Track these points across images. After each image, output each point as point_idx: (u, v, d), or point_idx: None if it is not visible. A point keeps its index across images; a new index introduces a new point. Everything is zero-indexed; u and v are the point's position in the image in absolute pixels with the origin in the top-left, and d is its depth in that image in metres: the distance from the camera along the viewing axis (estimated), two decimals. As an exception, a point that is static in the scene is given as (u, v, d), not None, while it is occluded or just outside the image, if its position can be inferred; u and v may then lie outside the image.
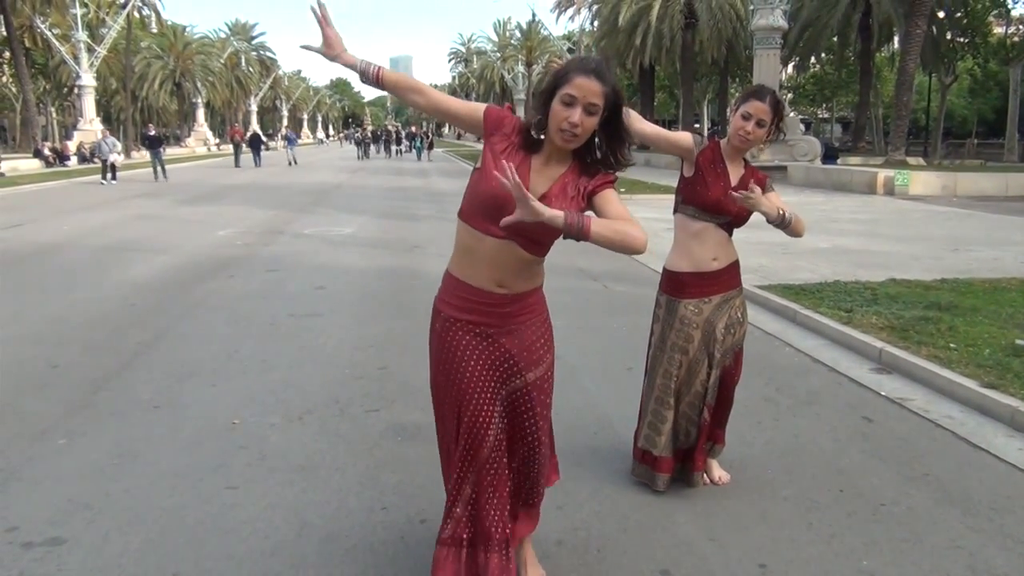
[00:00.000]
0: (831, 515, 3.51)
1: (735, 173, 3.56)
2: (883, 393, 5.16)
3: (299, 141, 47.03)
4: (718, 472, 3.87)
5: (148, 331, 6.75)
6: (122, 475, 3.89)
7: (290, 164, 39.57)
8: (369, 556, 3.14)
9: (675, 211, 3.69)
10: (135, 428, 4.52)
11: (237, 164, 39.11)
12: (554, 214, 2.28)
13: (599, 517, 3.48)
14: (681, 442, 3.69)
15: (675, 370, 3.60)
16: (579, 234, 2.34)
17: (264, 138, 47.25)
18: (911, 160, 29.72)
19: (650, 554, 3.17)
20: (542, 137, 2.50)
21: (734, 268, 3.71)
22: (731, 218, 3.59)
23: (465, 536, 2.65)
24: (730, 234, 3.69)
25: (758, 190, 3.36)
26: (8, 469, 3.95)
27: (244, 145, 41.06)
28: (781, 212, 3.45)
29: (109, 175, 26.22)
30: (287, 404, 4.90)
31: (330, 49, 2.65)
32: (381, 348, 6.21)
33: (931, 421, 4.68)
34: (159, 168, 27.72)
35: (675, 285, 3.63)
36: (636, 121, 3.28)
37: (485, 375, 2.60)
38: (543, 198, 2.43)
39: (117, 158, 27.94)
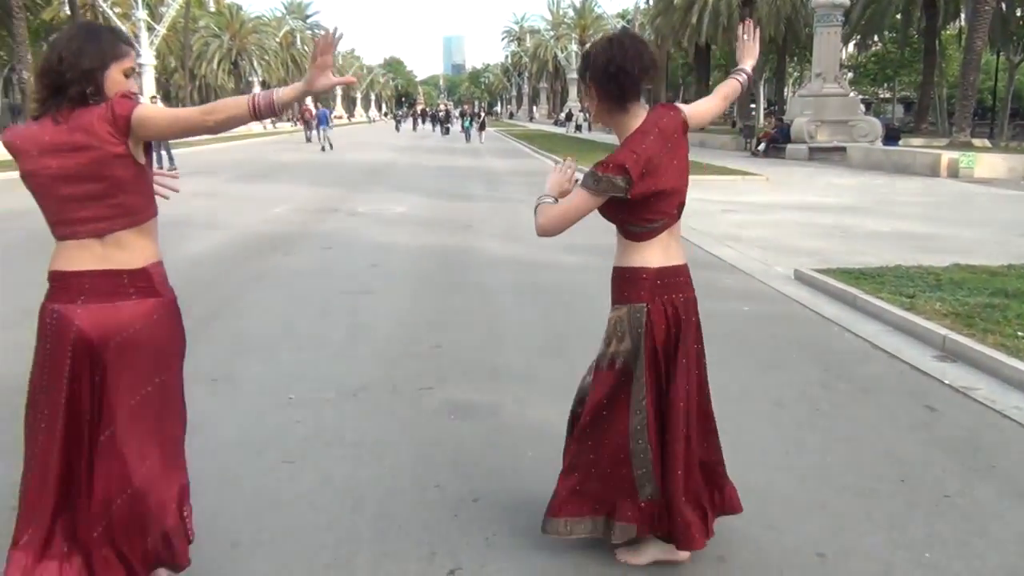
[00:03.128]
0: (892, 505, 3.43)
1: None
2: (946, 382, 5.01)
3: (332, 121, 39.00)
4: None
5: (205, 306, 6.86)
6: (185, 446, 3.96)
7: (323, 149, 32.81)
8: (423, 534, 3.16)
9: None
10: (195, 400, 4.55)
11: (308, 140, 42.14)
12: None
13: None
14: None
15: None
16: None
17: (330, 115, 48.30)
18: (976, 142, 28.85)
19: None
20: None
21: None
22: None
23: None
24: None
25: None
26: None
27: (314, 122, 43.06)
28: None
29: (164, 155, 22.41)
30: (341, 380, 4.95)
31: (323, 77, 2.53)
32: (434, 326, 6.23)
33: (997, 411, 4.53)
34: (164, 154, 21.61)
35: None
36: (696, 120, 2.92)
37: None
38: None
39: None
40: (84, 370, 2.49)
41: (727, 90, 3.15)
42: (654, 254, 2.85)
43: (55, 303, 2.57)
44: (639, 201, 2.71)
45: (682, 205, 2.90)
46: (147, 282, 2.59)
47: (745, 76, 3.23)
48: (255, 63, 71.21)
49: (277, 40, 77.31)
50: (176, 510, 2.67)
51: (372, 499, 3.44)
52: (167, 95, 64.55)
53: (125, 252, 2.53)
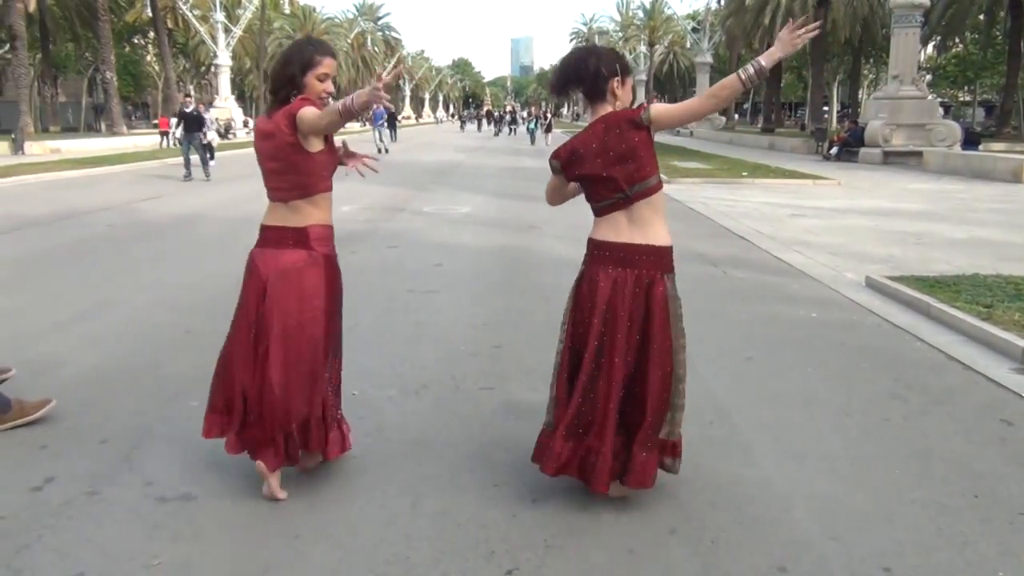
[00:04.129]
0: (964, 521, 3.32)
1: None
2: (1025, 395, 4.83)
3: (398, 121, 36.17)
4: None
5: (275, 301, 7.01)
6: (248, 438, 4.06)
7: (380, 152, 29.13)
8: (481, 532, 3.18)
9: (656, 189, 3.28)
10: (261, 394, 4.71)
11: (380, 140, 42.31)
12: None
13: (713, 507, 3.40)
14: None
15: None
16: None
17: (398, 116, 50.07)
18: (1062, 147, 27.72)
19: (766, 549, 3.08)
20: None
21: None
22: None
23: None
24: None
25: None
26: (145, 428, 4.19)
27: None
28: None
29: (208, 156, 21.87)
30: (403, 378, 5.00)
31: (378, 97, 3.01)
32: (496, 326, 6.26)
33: (1079, 427, 4.35)
34: (203, 160, 20.16)
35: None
36: (665, 116, 3.16)
37: None
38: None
39: (214, 137, 23.81)
40: (257, 298, 3.35)
41: (717, 88, 3.09)
42: (604, 230, 3.33)
43: (255, 247, 3.47)
44: (583, 183, 3.37)
45: (624, 192, 3.22)
46: (303, 238, 3.35)
47: (752, 71, 3.06)
48: (327, 64, 72.46)
49: (348, 41, 78.51)
50: (296, 419, 3.33)
51: (432, 497, 3.47)
52: (241, 95, 66.12)
53: (295, 215, 3.36)
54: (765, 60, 3.04)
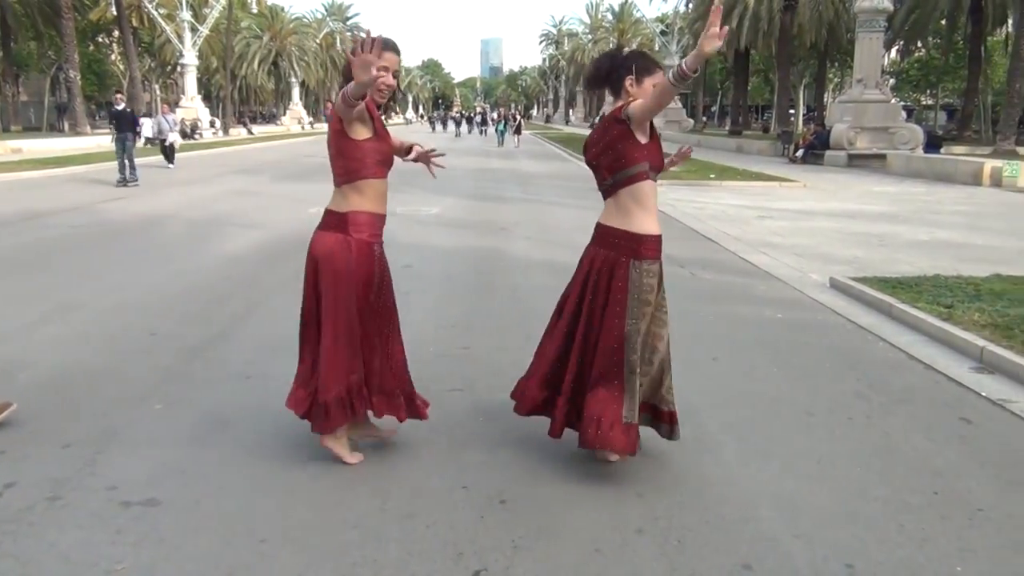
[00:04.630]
0: (924, 518, 3.38)
1: None
2: (983, 394, 4.93)
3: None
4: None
5: (242, 303, 6.96)
6: (214, 442, 4.03)
7: None
8: (449, 533, 3.18)
9: (637, 180, 3.53)
10: (228, 397, 4.68)
11: None
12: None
13: (680, 507, 3.43)
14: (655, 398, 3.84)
15: (665, 332, 3.79)
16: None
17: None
18: (1021, 150, 28.28)
19: (732, 548, 3.11)
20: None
21: None
22: None
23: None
24: None
25: None
26: (109, 431, 4.14)
27: None
28: None
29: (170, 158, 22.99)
30: (372, 380, 4.97)
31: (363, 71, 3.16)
32: (465, 328, 6.26)
33: (1035, 425, 4.45)
34: (127, 163, 17.84)
35: (660, 248, 3.67)
36: (637, 113, 3.43)
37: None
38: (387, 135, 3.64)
39: (177, 139, 24.02)
40: (313, 274, 3.66)
41: (657, 88, 3.42)
42: (603, 213, 3.72)
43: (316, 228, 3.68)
44: (591, 168, 3.74)
45: (608, 180, 3.63)
46: (343, 223, 3.58)
47: (677, 71, 3.18)
48: (295, 64, 71.95)
49: (317, 41, 78.04)
50: (337, 389, 3.60)
51: (400, 498, 3.47)
52: (208, 95, 65.45)
53: (342, 200, 3.61)
54: (690, 60, 3.15)
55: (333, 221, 3.59)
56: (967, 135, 38.22)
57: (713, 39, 3.04)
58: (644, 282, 3.55)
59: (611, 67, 3.60)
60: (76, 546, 3.05)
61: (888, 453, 4.05)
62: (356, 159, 3.53)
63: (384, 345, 3.75)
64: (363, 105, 3.41)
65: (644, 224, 3.56)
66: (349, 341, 3.59)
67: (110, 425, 4.22)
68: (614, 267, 3.55)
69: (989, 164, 20.05)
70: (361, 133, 3.50)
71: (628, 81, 3.54)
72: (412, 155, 3.97)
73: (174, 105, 42.82)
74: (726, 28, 3.10)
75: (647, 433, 4.15)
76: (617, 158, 3.52)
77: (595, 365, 3.58)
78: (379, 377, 3.74)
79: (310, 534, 3.17)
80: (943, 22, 38.93)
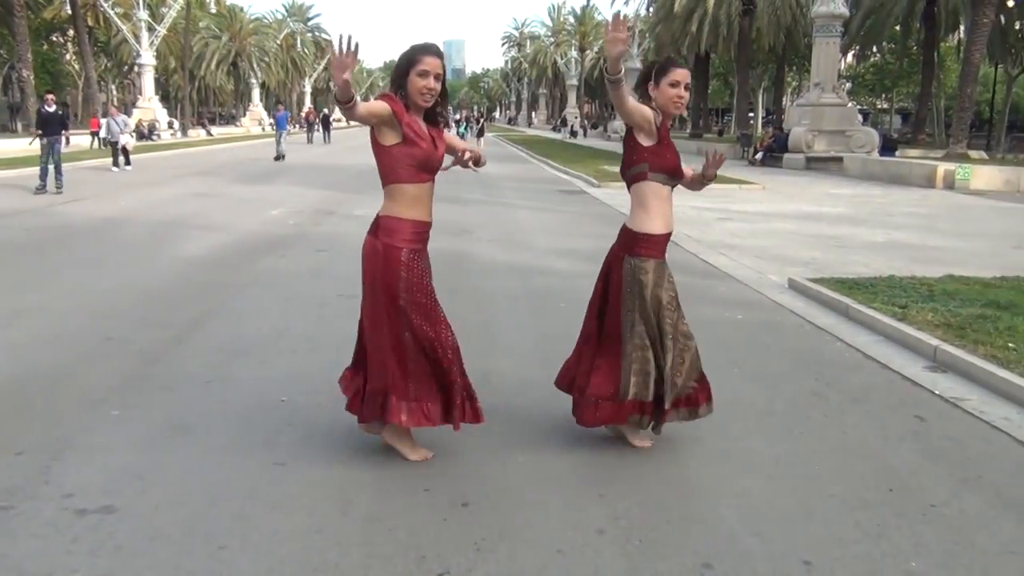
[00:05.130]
0: (879, 514, 3.44)
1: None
2: (937, 392, 5.04)
3: (288, 126, 32.07)
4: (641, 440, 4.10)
5: (201, 307, 6.88)
6: (173, 447, 3.98)
7: (278, 159, 27.64)
8: (411, 537, 3.17)
9: (639, 180, 3.85)
10: (186, 402, 4.62)
11: (310, 141, 43.40)
12: (477, 152, 3.83)
13: (641, 507, 3.46)
14: (677, 389, 3.91)
15: (672, 327, 3.88)
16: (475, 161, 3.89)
17: (332, 117, 52.83)
18: (973, 154, 28.95)
19: (693, 547, 3.15)
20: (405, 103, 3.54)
21: None
22: (680, 180, 3.97)
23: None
24: None
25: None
26: (64, 438, 4.06)
27: (316, 124, 46.71)
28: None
29: (122, 159, 22.34)
30: (334, 383, 4.91)
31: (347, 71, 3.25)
32: (428, 331, 6.23)
33: (987, 422, 4.55)
34: (53, 167, 16.28)
35: (658, 247, 3.88)
36: (626, 95, 3.65)
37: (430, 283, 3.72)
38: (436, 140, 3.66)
39: (129, 140, 23.32)
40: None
41: (641, 107, 3.80)
42: None
43: None
44: None
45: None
46: (375, 227, 3.66)
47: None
48: (255, 65, 71.23)
49: (277, 42, 77.36)
50: (371, 384, 3.75)
51: (362, 502, 3.45)
52: (166, 95, 64.55)
53: (382, 203, 3.68)
54: (607, 65, 3.51)
55: (372, 225, 3.69)
56: (921, 138, 39.00)
57: (613, 43, 3.39)
58: (637, 278, 3.80)
59: (643, 76, 3.88)
60: (30, 556, 2.99)
61: (845, 451, 4.12)
62: (385, 164, 3.59)
63: (420, 347, 3.66)
64: (382, 110, 3.44)
65: (643, 222, 3.83)
66: (376, 344, 3.69)
67: (65, 432, 4.14)
68: (613, 262, 3.91)
69: (942, 167, 20.50)
70: (389, 139, 3.53)
71: (650, 86, 3.82)
72: (451, 163, 3.92)
73: (131, 106, 42.19)
74: (626, 35, 3.41)
75: (606, 435, 4.18)
76: (625, 159, 3.89)
77: (600, 350, 3.93)
78: (414, 380, 3.67)
79: (271, 540, 3.14)
80: (897, 28, 39.71)
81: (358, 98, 3.35)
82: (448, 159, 3.89)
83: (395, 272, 3.59)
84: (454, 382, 3.70)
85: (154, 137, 40.33)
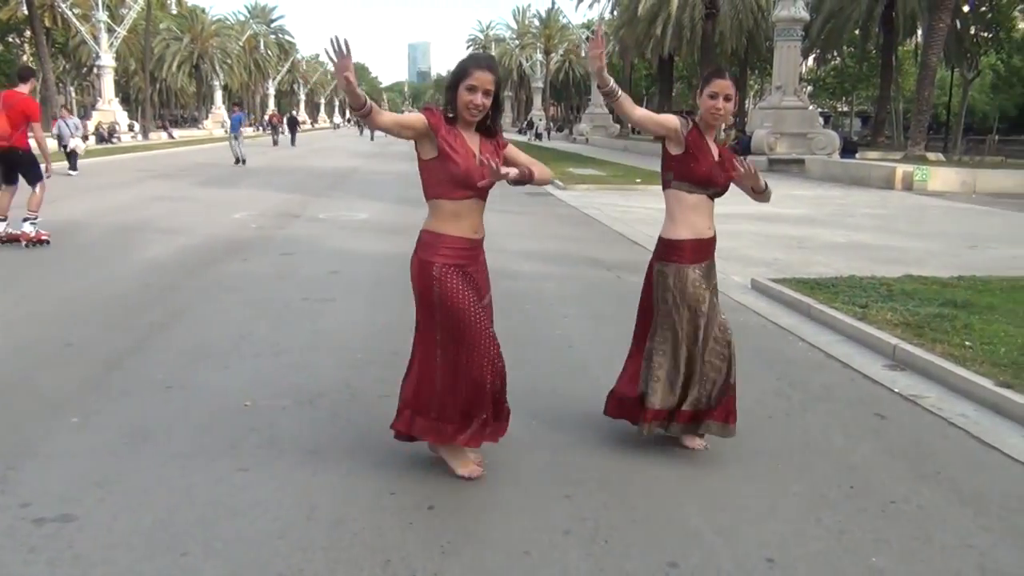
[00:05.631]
0: (841, 511, 3.50)
1: (714, 150, 3.93)
2: (896, 390, 5.12)
3: (244, 130, 30.31)
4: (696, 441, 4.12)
5: (162, 312, 6.78)
6: (134, 454, 3.92)
7: (238, 163, 26.42)
8: (377, 540, 3.15)
9: (666, 187, 3.98)
10: (148, 408, 4.55)
11: (275, 143, 43.98)
12: (519, 171, 3.47)
13: (607, 507, 3.48)
14: (700, 402, 3.94)
15: (690, 330, 3.91)
16: (529, 179, 3.53)
17: (299, 120, 52.83)
18: (931, 156, 29.47)
19: (658, 546, 3.17)
20: (452, 116, 3.46)
21: (714, 238, 4.10)
22: (719, 189, 3.98)
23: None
24: (713, 204, 4.07)
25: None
26: (22, 445, 3.98)
27: (281, 127, 47.44)
28: (765, 182, 4.02)
29: (70, 164, 21.28)
30: (299, 387, 4.92)
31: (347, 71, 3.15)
32: (393, 333, 6.20)
33: (944, 419, 4.64)
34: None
35: (680, 252, 3.92)
36: (629, 106, 3.73)
37: (476, 301, 3.55)
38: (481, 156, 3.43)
39: (79, 144, 22.10)
40: None
41: (657, 116, 3.94)
42: None
43: None
44: None
45: None
46: (417, 239, 3.62)
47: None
48: (217, 67, 70.46)
49: (240, 44, 76.58)
50: (411, 411, 3.70)
51: (327, 507, 3.43)
52: (126, 98, 63.62)
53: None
54: (596, 79, 3.64)
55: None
56: (880, 141, 39.66)
57: (591, 59, 3.58)
58: (660, 283, 3.94)
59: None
60: (-15, 566, 2.93)
61: (807, 449, 4.18)
62: (424, 178, 3.54)
63: (447, 365, 3.57)
64: (416, 122, 3.39)
65: (667, 229, 3.95)
66: (417, 356, 3.69)
67: (22, 439, 4.06)
68: (649, 268, 4.07)
69: (901, 169, 20.85)
70: (427, 152, 3.46)
71: (696, 95, 3.95)
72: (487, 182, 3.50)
73: (90, 108, 41.49)
74: (602, 49, 3.56)
75: (571, 436, 4.20)
76: (661, 166, 4.00)
77: (632, 352, 4.18)
78: (439, 399, 3.61)
79: (234, 546, 3.10)
80: (857, 32, 40.33)
81: (372, 104, 3.24)
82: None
83: (428, 286, 3.51)
84: (472, 414, 3.58)
85: (114, 140, 39.71)
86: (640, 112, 3.85)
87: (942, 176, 20.81)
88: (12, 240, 9.86)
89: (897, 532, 3.32)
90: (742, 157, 4.00)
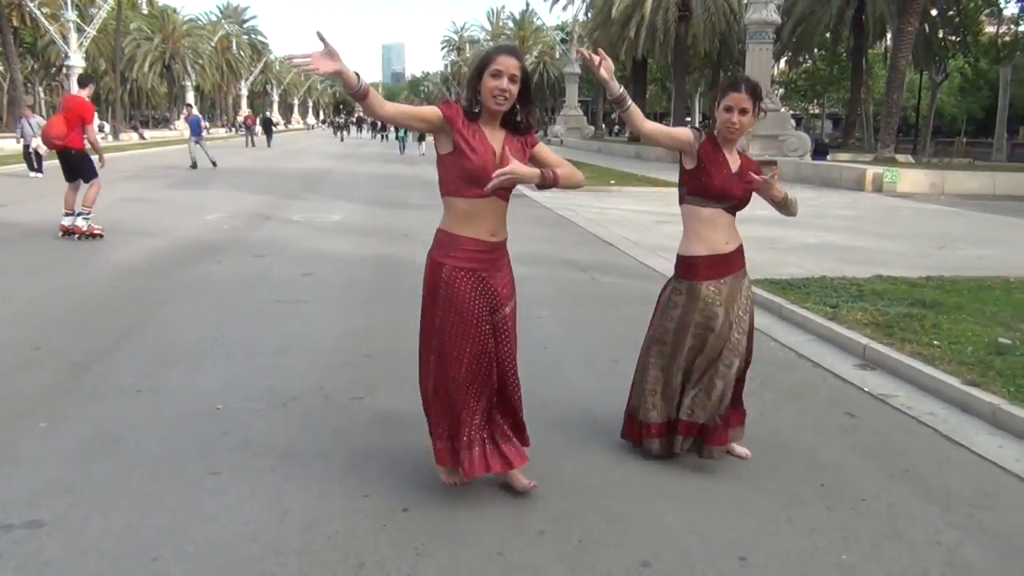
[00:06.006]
0: (812, 509, 3.53)
1: (733, 161, 3.82)
2: (866, 389, 5.19)
3: (206, 132, 29.28)
4: (742, 448, 4.09)
5: (133, 315, 6.71)
6: (103, 459, 3.87)
7: (193, 167, 24.85)
8: (350, 543, 3.14)
9: (681, 202, 3.92)
10: (117, 412, 4.50)
11: (251, 144, 44.28)
12: (534, 172, 3.24)
13: (581, 508, 3.49)
14: (696, 415, 3.85)
15: (694, 346, 3.83)
16: (553, 183, 3.30)
17: (275, 121, 53.12)
18: (900, 157, 29.82)
19: (632, 546, 3.18)
20: (477, 110, 3.25)
21: (741, 250, 3.97)
22: (736, 202, 3.86)
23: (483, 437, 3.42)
24: (734, 217, 3.96)
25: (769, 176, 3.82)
26: (-12, 451, 3.92)
27: (256, 128, 47.80)
28: (786, 194, 3.93)
29: (36, 165, 20.77)
30: (271, 390, 4.89)
31: (331, 58, 2.94)
32: (367, 336, 6.20)
33: (913, 417, 4.71)
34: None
35: (693, 269, 3.85)
36: (638, 119, 3.69)
37: (485, 310, 3.31)
38: (503, 154, 3.22)
39: (42, 144, 19.90)
40: None
41: (668, 130, 3.94)
42: None
43: None
44: None
45: None
46: (434, 237, 3.40)
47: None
48: (189, 67, 69.82)
49: (212, 44, 75.91)
50: (443, 429, 3.46)
51: (300, 510, 3.41)
52: (96, 98, 62.90)
53: None
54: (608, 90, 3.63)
55: None
56: (851, 143, 40.08)
57: (595, 70, 3.49)
58: (669, 298, 3.92)
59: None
60: (-49, 574, 2.88)
61: (778, 448, 4.22)
62: (440, 173, 3.33)
63: (442, 376, 3.37)
64: (428, 114, 3.22)
65: (682, 245, 3.91)
66: (439, 386, 3.41)
67: (-11, 445, 4.00)
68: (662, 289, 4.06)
69: (871, 171, 21.10)
70: (444, 146, 3.25)
71: (715, 107, 3.82)
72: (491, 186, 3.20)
73: (56, 110, 40.93)
74: (599, 59, 3.48)
75: (545, 437, 4.20)
76: None
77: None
78: (429, 410, 3.49)
79: (205, 550, 3.08)
80: (827, 35, 40.72)
81: (368, 86, 3.02)
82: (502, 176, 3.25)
83: (435, 287, 3.32)
84: (462, 434, 3.39)
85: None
86: (650, 125, 3.79)
87: (911, 178, 21.09)
88: (69, 233, 10.63)
89: (867, 529, 3.37)
90: (770, 165, 3.92)
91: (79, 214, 10.61)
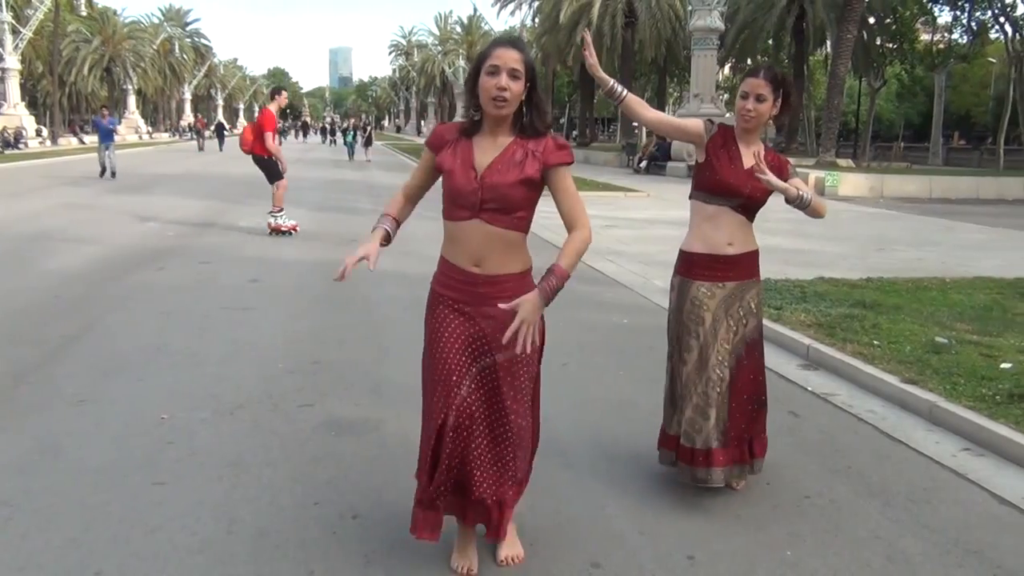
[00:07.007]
0: (758, 507, 3.60)
1: (748, 155, 3.54)
2: (809, 388, 5.30)
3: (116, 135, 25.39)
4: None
5: (73, 323, 6.55)
6: (43, 472, 3.78)
7: (103, 174, 22.64)
8: (300, 552, 3.11)
9: (690, 196, 3.77)
10: (58, 423, 4.39)
11: (201, 149, 44.48)
12: (536, 298, 2.81)
13: (532, 511, 3.49)
14: (690, 437, 3.56)
15: (687, 354, 3.60)
16: (561, 287, 2.89)
17: (227, 126, 53.46)
18: (841, 162, 30.51)
19: (582, 548, 3.21)
20: (477, 118, 2.82)
21: (751, 257, 3.70)
22: (744, 200, 3.57)
23: (441, 500, 2.89)
24: (750, 220, 3.69)
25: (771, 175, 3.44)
26: (-79, 466, 3.80)
27: (207, 132, 48.21)
28: (800, 193, 3.51)
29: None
30: (218, 399, 4.81)
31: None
32: (315, 342, 6.14)
33: (854, 415, 4.83)
34: None
35: (688, 265, 3.68)
36: (637, 106, 3.57)
37: (459, 348, 2.85)
38: (489, 167, 2.77)
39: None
40: None
41: (674, 120, 3.83)
42: None
43: None
44: None
45: None
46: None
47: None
48: (130, 71, 68.40)
49: (154, 47, 74.48)
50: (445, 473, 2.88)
51: (248, 519, 3.37)
52: (33, 101, 61.30)
53: None
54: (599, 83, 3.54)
55: None
56: (794, 147, 40.89)
57: (590, 67, 3.39)
58: (673, 300, 3.74)
59: None
60: None
61: (725, 448, 4.27)
62: (445, 196, 2.91)
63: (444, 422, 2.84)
64: (430, 163, 2.93)
65: (684, 240, 3.79)
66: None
67: (-79, 460, 3.87)
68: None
69: (813, 175, 21.52)
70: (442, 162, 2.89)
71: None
72: None
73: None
74: (593, 57, 3.38)
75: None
76: None
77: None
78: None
79: (150, 563, 3.02)
80: (770, 42, 41.52)
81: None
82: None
83: (426, 310, 3.01)
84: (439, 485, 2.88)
85: (20, 146, 38.24)
86: (653, 113, 3.62)
87: (852, 182, 21.62)
88: (276, 231, 11.98)
89: (810, 526, 3.44)
90: (791, 167, 3.67)
91: (270, 212, 12.09)
